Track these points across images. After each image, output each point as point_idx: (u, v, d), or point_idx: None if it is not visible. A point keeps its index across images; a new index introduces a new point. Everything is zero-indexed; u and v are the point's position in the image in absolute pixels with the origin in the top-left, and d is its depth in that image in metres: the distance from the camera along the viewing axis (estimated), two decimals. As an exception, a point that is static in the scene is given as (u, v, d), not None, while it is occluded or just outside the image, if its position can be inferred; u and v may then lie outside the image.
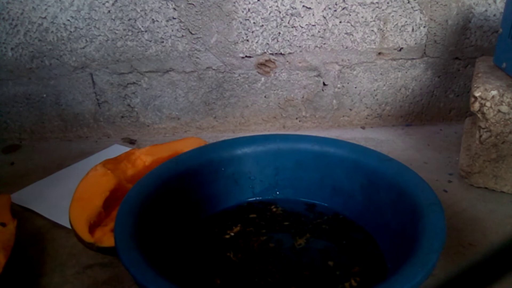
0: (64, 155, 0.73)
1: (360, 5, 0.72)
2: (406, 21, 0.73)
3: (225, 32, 0.72)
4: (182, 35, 0.72)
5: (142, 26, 0.71)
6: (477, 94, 0.55)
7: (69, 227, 0.47)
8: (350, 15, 0.72)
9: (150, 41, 0.72)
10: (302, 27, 0.73)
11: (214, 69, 0.75)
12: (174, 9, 0.70)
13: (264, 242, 0.47)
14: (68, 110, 0.77)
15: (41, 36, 0.71)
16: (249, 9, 0.71)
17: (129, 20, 0.71)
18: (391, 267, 0.42)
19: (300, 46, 0.74)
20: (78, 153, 0.73)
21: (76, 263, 0.47)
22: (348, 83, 0.78)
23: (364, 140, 0.76)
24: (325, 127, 0.82)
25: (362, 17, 0.73)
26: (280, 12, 0.71)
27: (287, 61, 0.75)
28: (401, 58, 0.77)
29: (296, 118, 0.81)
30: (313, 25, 0.73)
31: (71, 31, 0.71)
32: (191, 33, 0.72)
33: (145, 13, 0.70)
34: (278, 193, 0.55)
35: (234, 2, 0.70)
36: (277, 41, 0.73)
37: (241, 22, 0.72)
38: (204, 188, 0.51)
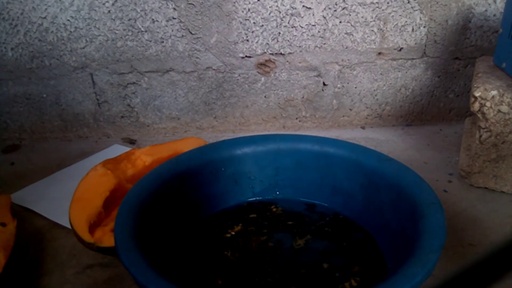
0: (64, 155, 0.73)
1: (360, 5, 0.72)
2: (406, 21, 0.73)
3: (225, 32, 0.72)
4: (182, 35, 0.72)
5: (142, 26, 0.71)
6: (477, 94, 0.55)
7: (69, 227, 0.47)
8: (350, 15, 0.72)
9: (150, 41, 0.72)
10: (302, 27, 0.73)
11: (214, 69, 0.75)
12: (174, 9, 0.70)
13: (263, 242, 0.47)
14: (68, 110, 0.77)
15: (41, 36, 0.71)
16: (249, 9, 0.71)
17: (129, 20, 0.71)
18: (391, 267, 0.42)
19: (300, 46, 0.74)
20: (78, 153, 0.73)
21: (76, 263, 0.47)
22: (348, 83, 0.78)
23: (364, 140, 0.76)
24: (325, 127, 0.82)
25: (362, 17, 0.73)
26: (280, 12, 0.71)
27: (287, 61, 0.75)
28: (401, 58, 0.77)
29: (296, 118, 0.81)
30: (313, 25, 0.73)
31: (71, 31, 0.71)
32: (191, 33, 0.72)
33: (145, 13, 0.70)
34: (278, 193, 0.55)
35: (234, 2, 0.70)
36: (277, 41, 0.73)
37: (241, 22, 0.72)
38: (204, 188, 0.51)
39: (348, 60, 0.76)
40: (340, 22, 0.73)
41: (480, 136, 0.57)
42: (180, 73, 0.75)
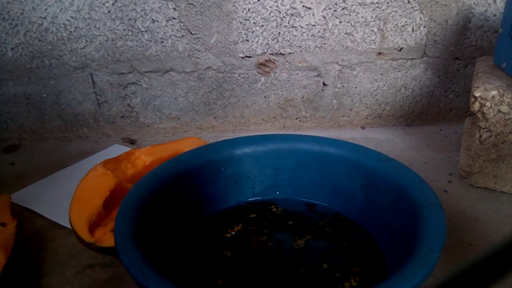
0: (64, 155, 0.73)
1: (360, 5, 0.72)
2: (406, 21, 0.73)
3: (225, 32, 0.72)
4: (182, 35, 0.72)
5: (142, 26, 0.71)
6: (477, 94, 0.55)
7: (69, 227, 0.47)
8: (350, 15, 0.72)
9: (150, 41, 0.72)
10: (302, 27, 0.73)
11: (214, 69, 0.75)
12: (174, 9, 0.70)
13: (263, 242, 0.47)
14: (68, 110, 0.77)
15: (41, 36, 0.71)
16: (249, 9, 0.71)
17: (129, 20, 0.71)
18: (391, 267, 0.42)
19: (300, 46, 0.74)
20: (78, 153, 0.73)
21: (76, 263, 0.47)
22: (348, 83, 0.78)
23: (364, 140, 0.76)
24: (325, 127, 0.82)
25: (362, 17, 0.73)
26: (280, 12, 0.71)
27: (287, 61, 0.75)
28: (401, 58, 0.77)
29: (296, 118, 0.81)
30: (313, 25, 0.73)
31: (71, 31, 0.71)
32: (191, 33, 0.72)
33: (145, 13, 0.70)
34: (278, 193, 0.55)
35: (234, 2, 0.70)
36: (277, 41, 0.73)
37: (241, 22, 0.72)
38: (204, 188, 0.51)
39: (348, 60, 0.76)
40: (340, 22, 0.73)
41: (480, 136, 0.57)
42: (180, 73, 0.75)
